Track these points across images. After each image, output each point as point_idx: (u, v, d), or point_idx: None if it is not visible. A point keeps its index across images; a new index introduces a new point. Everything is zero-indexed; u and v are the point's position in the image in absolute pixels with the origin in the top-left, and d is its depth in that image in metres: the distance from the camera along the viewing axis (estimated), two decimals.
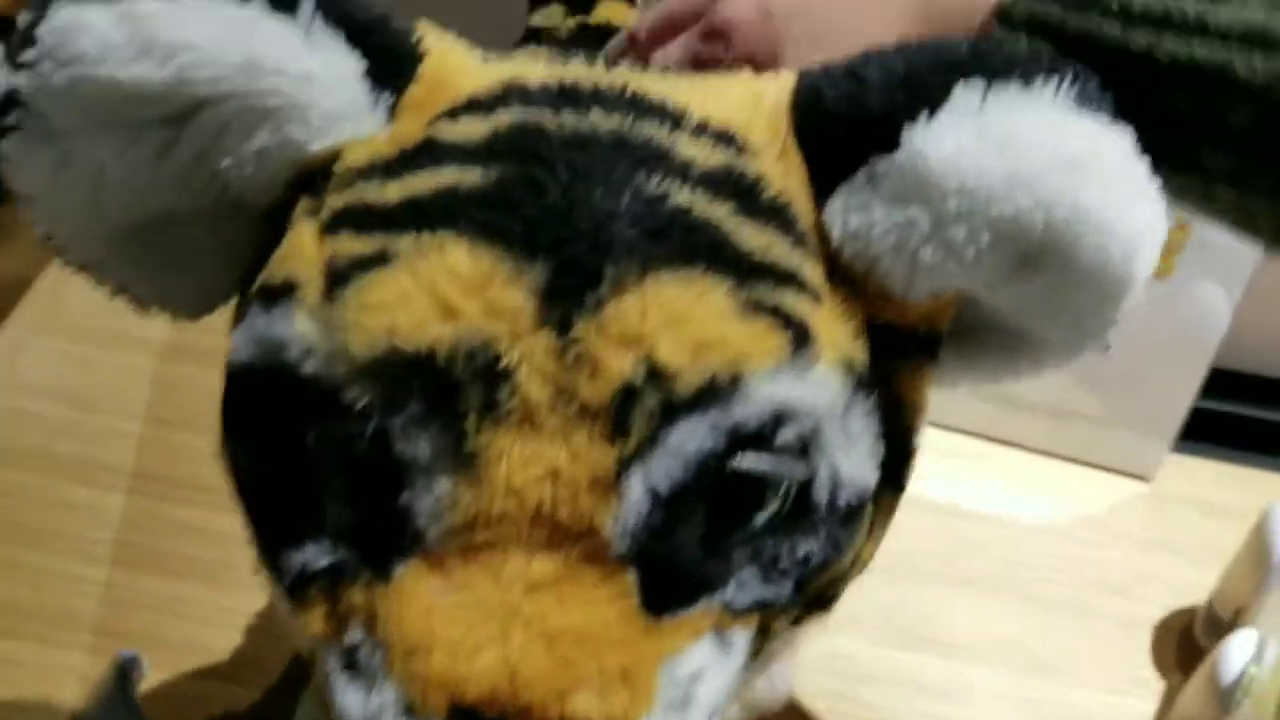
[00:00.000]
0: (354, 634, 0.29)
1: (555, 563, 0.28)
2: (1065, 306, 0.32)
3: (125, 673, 0.53)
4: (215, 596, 0.60)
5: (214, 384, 0.71)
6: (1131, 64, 0.32)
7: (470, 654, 0.27)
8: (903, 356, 0.32)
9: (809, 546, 0.31)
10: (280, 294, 0.29)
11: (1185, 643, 0.64)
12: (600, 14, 0.55)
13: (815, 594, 0.33)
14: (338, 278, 0.28)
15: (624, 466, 0.27)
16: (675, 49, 0.40)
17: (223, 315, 0.77)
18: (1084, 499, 0.72)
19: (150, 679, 0.55)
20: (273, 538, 0.31)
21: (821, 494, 0.30)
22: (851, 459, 0.31)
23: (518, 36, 0.59)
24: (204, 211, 0.31)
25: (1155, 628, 0.65)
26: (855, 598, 0.61)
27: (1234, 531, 0.62)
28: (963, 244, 0.29)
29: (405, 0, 0.34)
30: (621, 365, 0.27)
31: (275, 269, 0.30)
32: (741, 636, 0.31)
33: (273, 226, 0.31)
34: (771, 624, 0.32)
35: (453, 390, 0.27)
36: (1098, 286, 0.30)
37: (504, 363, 0.27)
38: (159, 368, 0.71)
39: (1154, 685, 0.62)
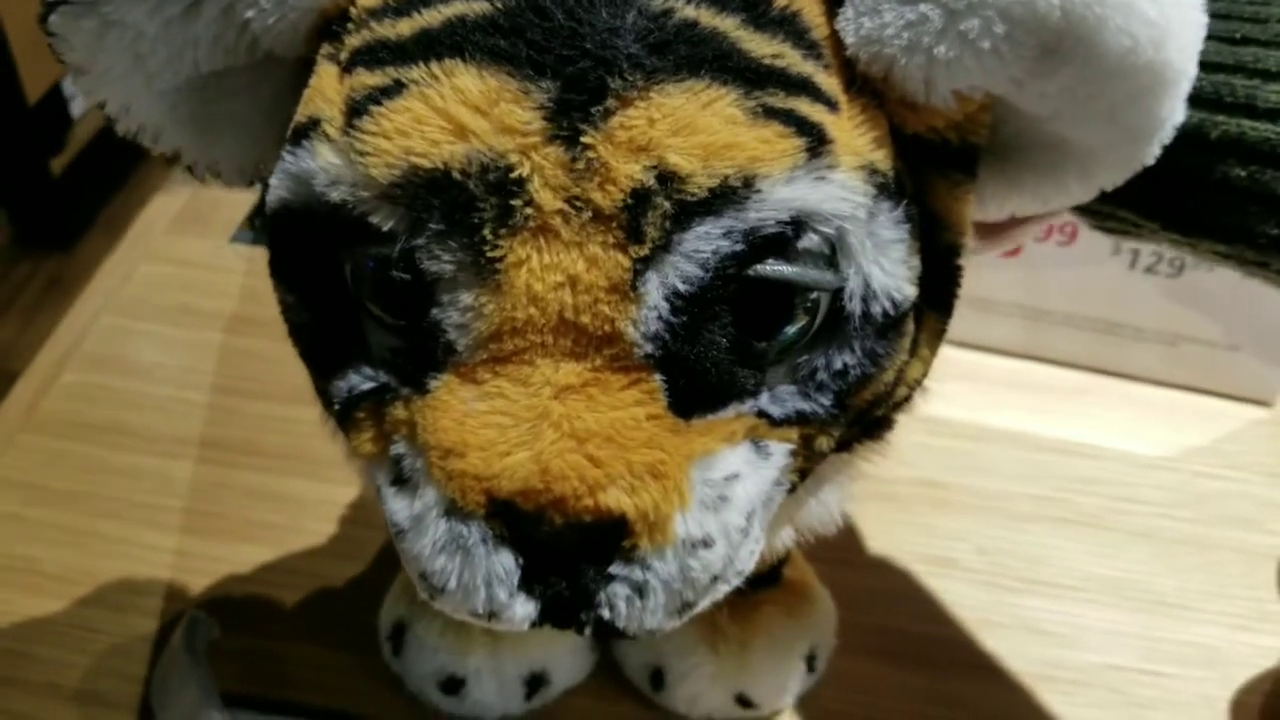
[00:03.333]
0: (398, 447, 0.31)
1: (582, 369, 0.29)
2: (1100, 102, 0.30)
3: (193, 632, 0.53)
4: (282, 559, 0.59)
5: (278, 353, 0.71)
6: (1184, 139, 0.32)
7: (503, 453, 0.28)
8: (935, 169, 0.32)
9: (845, 359, 0.31)
10: (305, 131, 0.30)
11: None
12: None
13: (859, 413, 0.33)
14: (356, 109, 0.29)
15: (640, 270, 0.28)
16: None
17: None
18: (1201, 429, 0.67)
19: (220, 640, 0.54)
20: (323, 370, 0.33)
21: (854, 304, 0.30)
22: (883, 268, 0.30)
23: None
24: (241, 70, 0.33)
25: None
26: (956, 540, 0.60)
27: None
28: (978, 35, 0.28)
29: None
30: (631, 171, 0.27)
31: (301, 110, 0.31)
32: (781, 449, 0.31)
33: (304, 81, 0.32)
34: (815, 439, 0.32)
35: (469, 204, 0.28)
36: (1130, 76, 0.29)
37: (516, 173, 0.27)
38: (225, 339, 0.71)
39: None
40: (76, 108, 1.92)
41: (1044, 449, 0.65)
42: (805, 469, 0.33)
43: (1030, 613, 0.57)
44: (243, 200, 0.79)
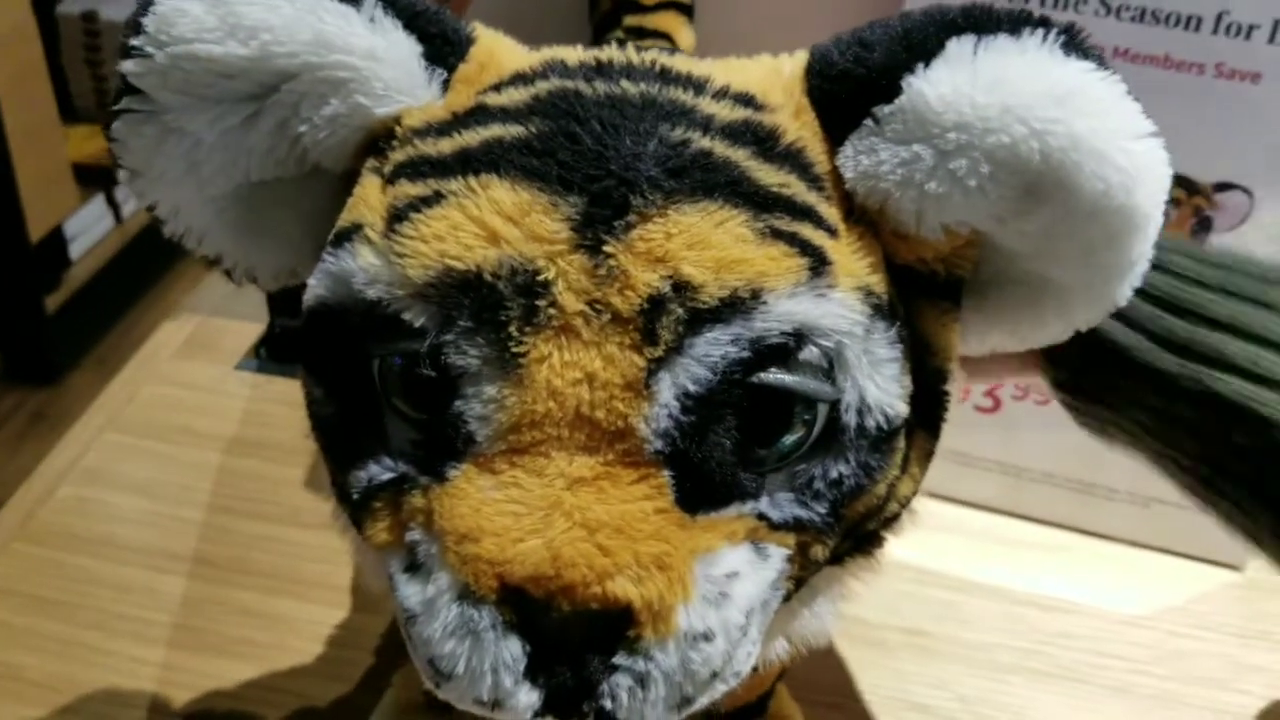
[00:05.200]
0: (414, 534, 0.32)
1: (594, 462, 0.30)
2: (1077, 242, 0.33)
3: None
4: (267, 676, 0.59)
5: (275, 474, 0.72)
6: (1191, 396, 0.35)
7: (516, 539, 0.29)
8: (924, 298, 0.34)
9: (840, 469, 0.32)
10: (348, 235, 0.33)
11: None
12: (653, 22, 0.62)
13: (853, 525, 0.34)
14: (397, 216, 0.32)
15: (653, 370, 0.30)
16: None
17: (284, 412, 0.79)
18: (1174, 589, 0.68)
19: None
20: (343, 462, 0.34)
21: (850, 416, 0.32)
22: (877, 384, 0.32)
23: None
24: (289, 180, 0.35)
25: (1255, 718, 0.60)
26: (939, 688, 0.60)
27: None
28: (965, 174, 0.31)
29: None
30: (649, 279, 0.30)
31: (345, 216, 0.34)
32: (779, 553, 0.32)
33: (347, 193, 0.35)
34: (810, 547, 0.33)
35: (498, 303, 0.30)
36: (1104, 218, 0.31)
37: (542, 277, 0.30)
38: (223, 460, 0.72)
39: None
40: (75, 249, 1.96)
41: (1023, 602, 0.66)
42: (800, 577, 0.34)
43: None
44: (249, 330, 0.81)
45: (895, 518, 0.37)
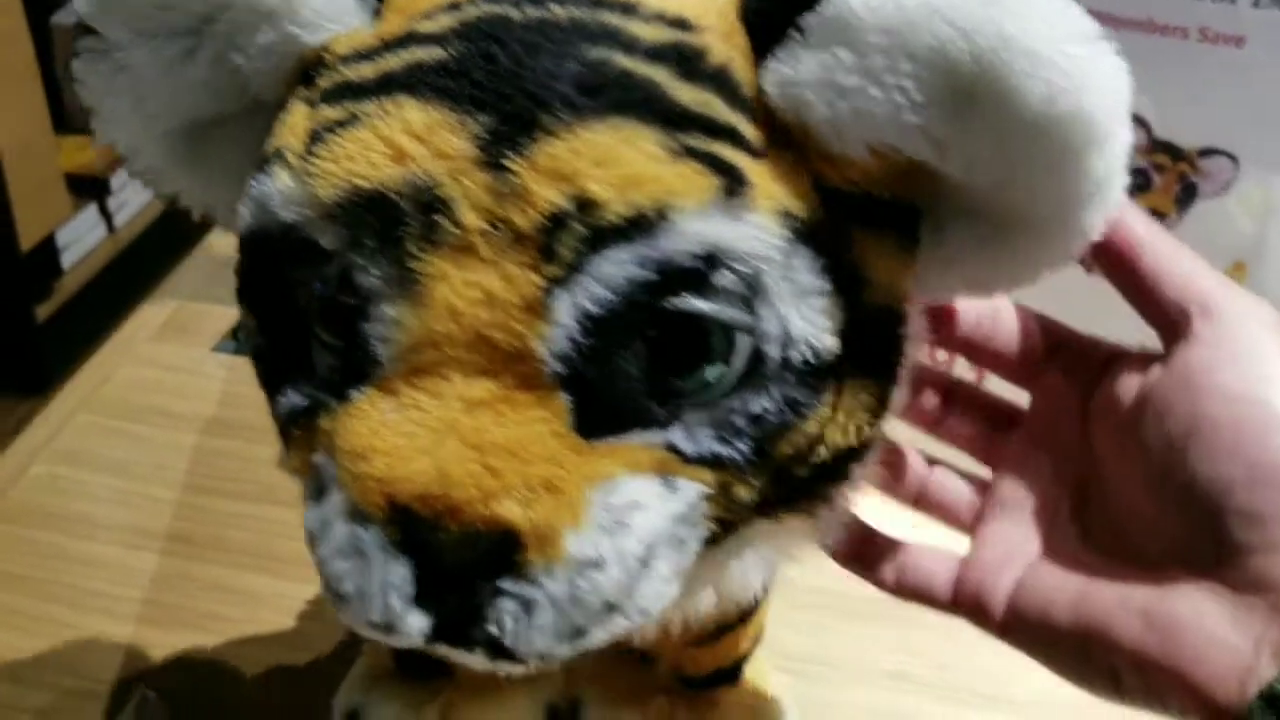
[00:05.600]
0: (319, 457, 0.32)
1: (493, 385, 0.29)
2: (1028, 160, 0.30)
3: (143, 713, 0.52)
4: (238, 650, 0.58)
5: (252, 454, 0.72)
6: None
7: (407, 459, 0.29)
8: (860, 226, 0.32)
9: (763, 404, 0.31)
10: (270, 159, 0.32)
11: None
12: None
13: (780, 469, 0.32)
14: (314, 138, 0.31)
15: (551, 290, 0.29)
16: None
17: (261, 394, 0.79)
18: None
19: None
20: (271, 391, 0.34)
21: (772, 347, 0.31)
22: (802, 314, 0.31)
23: None
24: (233, 116, 0.35)
25: None
26: (912, 654, 0.59)
27: None
28: (883, 71, 0.29)
29: None
30: (551, 196, 0.29)
31: (270, 142, 0.33)
32: (691, 487, 0.31)
33: None
34: (733, 487, 0.32)
35: (399, 221, 0.29)
36: (1053, 130, 0.29)
37: (443, 193, 0.29)
38: (199, 440, 0.71)
39: None
40: (67, 259, 1.96)
41: None
42: (725, 519, 0.33)
43: None
44: (227, 314, 0.81)
45: (829, 468, 0.34)
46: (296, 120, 0.33)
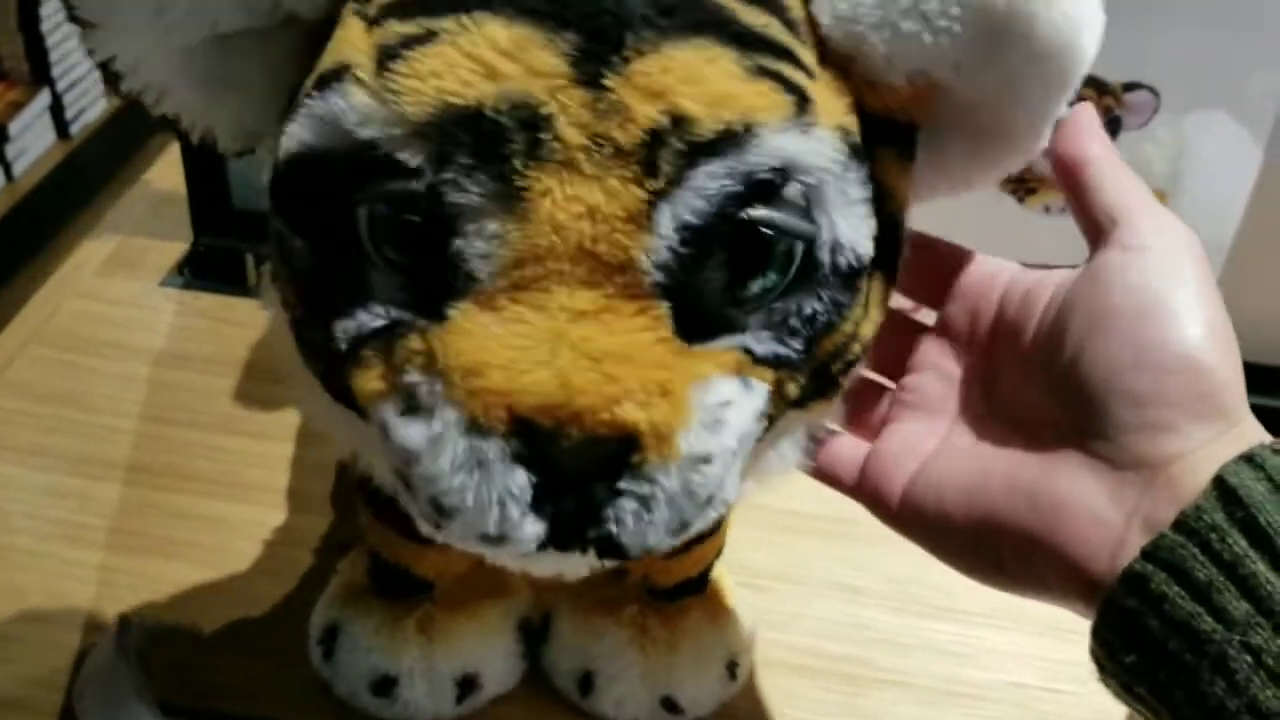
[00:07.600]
0: (411, 376, 0.32)
1: (596, 295, 0.31)
2: (1028, 86, 0.35)
3: (126, 635, 0.52)
4: (209, 576, 0.59)
5: (207, 385, 0.72)
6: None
7: (524, 371, 0.30)
8: (884, 143, 0.36)
9: (814, 305, 0.34)
10: (334, 76, 0.32)
11: None
12: None
13: (821, 365, 0.35)
14: (388, 54, 0.31)
15: (654, 203, 0.30)
16: None
17: (212, 327, 0.78)
18: None
19: (147, 651, 0.53)
20: (325, 314, 0.34)
21: (824, 253, 0.33)
22: (850, 222, 0.34)
23: None
24: (257, 31, 0.35)
25: None
26: (866, 570, 0.62)
27: None
28: (937, 16, 0.32)
29: None
30: (649, 112, 0.30)
31: (327, 59, 0.33)
32: (761, 387, 0.33)
33: (318, 45, 0.34)
34: (785, 384, 0.34)
35: (499, 138, 0.30)
36: (1054, 61, 0.34)
37: (544, 111, 0.30)
38: (152, 372, 0.71)
39: None
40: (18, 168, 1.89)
41: None
42: (774, 415, 0.35)
43: (938, 636, 0.60)
44: (172, 249, 0.80)
45: (855, 360, 0.38)
46: (355, 35, 0.32)
